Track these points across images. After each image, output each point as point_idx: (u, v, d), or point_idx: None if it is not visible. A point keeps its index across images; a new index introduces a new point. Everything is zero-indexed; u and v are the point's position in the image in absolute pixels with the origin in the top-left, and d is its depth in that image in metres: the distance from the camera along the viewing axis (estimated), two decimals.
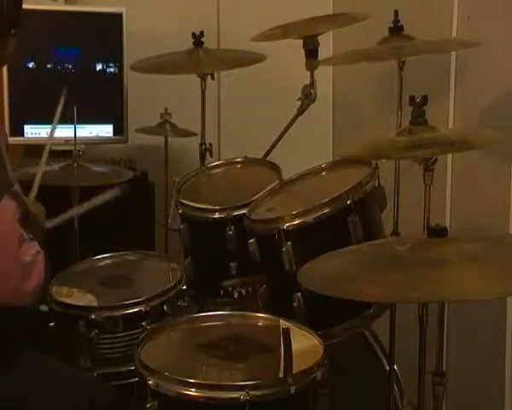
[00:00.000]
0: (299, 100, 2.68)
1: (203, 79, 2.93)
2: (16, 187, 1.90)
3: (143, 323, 2.25)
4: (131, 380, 2.02)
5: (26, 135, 3.07)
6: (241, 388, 1.73)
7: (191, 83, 2.94)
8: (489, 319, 2.66)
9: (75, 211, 2.51)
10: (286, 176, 2.49)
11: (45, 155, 2.41)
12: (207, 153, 2.96)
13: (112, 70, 3.11)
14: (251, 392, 1.73)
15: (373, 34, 2.67)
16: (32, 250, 1.85)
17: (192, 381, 1.77)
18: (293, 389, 1.78)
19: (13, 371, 1.93)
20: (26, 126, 3.06)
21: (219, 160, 2.92)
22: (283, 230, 2.12)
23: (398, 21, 2.62)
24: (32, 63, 3.04)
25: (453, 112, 2.82)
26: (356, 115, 3.33)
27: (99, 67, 3.10)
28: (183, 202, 2.49)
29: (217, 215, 2.40)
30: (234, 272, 2.39)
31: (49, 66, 3.06)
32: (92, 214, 2.74)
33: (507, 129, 2.44)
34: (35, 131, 3.07)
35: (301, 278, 1.83)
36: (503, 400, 2.67)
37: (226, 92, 3.39)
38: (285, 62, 3.06)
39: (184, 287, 2.40)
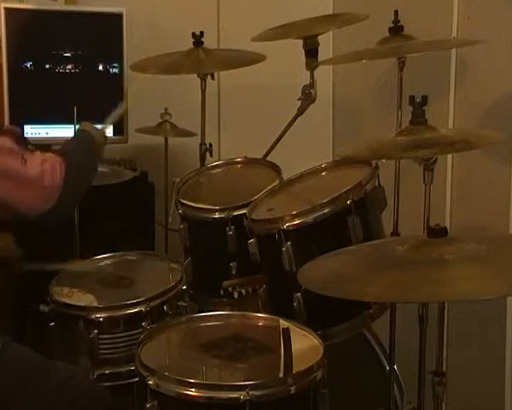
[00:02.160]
0: (299, 100, 2.68)
1: (203, 79, 2.92)
2: (5, 125, 2.16)
3: (143, 323, 2.25)
4: (131, 380, 2.02)
5: (25, 135, 3.06)
6: (241, 388, 1.74)
7: (191, 83, 2.94)
8: (489, 319, 2.66)
9: None
10: (286, 176, 2.49)
11: None
12: (207, 153, 2.96)
13: (114, 70, 3.11)
14: (251, 392, 1.73)
15: (373, 34, 2.67)
16: (37, 161, 2.05)
17: (192, 381, 1.77)
18: (293, 389, 1.78)
19: (4, 365, 1.94)
20: (26, 126, 3.06)
21: (219, 160, 2.92)
22: (283, 230, 2.12)
23: (398, 21, 2.63)
24: (32, 63, 3.04)
25: (453, 112, 2.82)
26: (356, 115, 3.33)
27: (100, 67, 3.10)
28: (183, 202, 2.49)
29: (217, 215, 2.40)
30: (234, 272, 2.39)
31: (49, 66, 3.05)
32: (92, 214, 2.75)
33: (507, 129, 2.45)
34: (35, 131, 3.07)
35: (301, 278, 1.83)
36: (503, 400, 2.67)
37: (226, 92, 3.39)
38: (285, 62, 3.06)
39: (184, 287, 2.40)
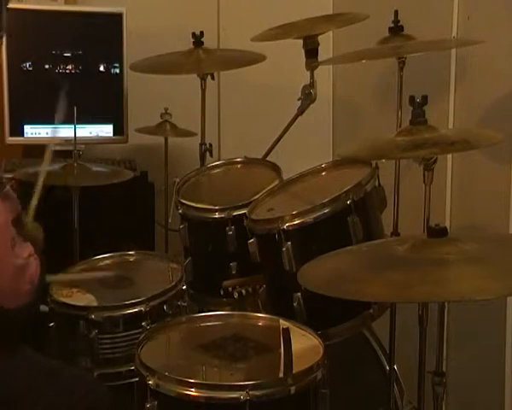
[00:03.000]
0: (299, 100, 2.68)
1: (203, 79, 2.93)
2: (8, 188, 1.91)
3: (143, 323, 2.24)
4: (131, 380, 2.02)
5: (26, 135, 3.07)
6: (241, 388, 1.74)
7: (191, 83, 2.94)
8: (489, 319, 2.66)
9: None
10: (286, 176, 2.49)
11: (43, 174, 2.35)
12: (207, 153, 2.96)
13: (115, 71, 3.11)
14: (251, 392, 1.73)
15: (373, 34, 2.67)
16: (25, 253, 1.87)
17: (192, 381, 1.77)
18: (293, 389, 1.78)
19: (8, 368, 1.94)
20: (26, 126, 3.06)
21: (219, 160, 2.92)
22: (283, 230, 2.12)
23: (398, 21, 2.63)
24: (32, 63, 3.04)
25: (453, 112, 2.81)
26: (356, 115, 3.33)
27: (99, 67, 3.10)
28: (183, 202, 2.49)
29: (217, 215, 2.40)
30: (234, 272, 2.39)
31: (49, 66, 3.06)
32: (92, 214, 2.75)
33: (507, 129, 2.44)
34: (35, 131, 3.07)
35: (301, 278, 1.83)
36: (503, 400, 2.66)
37: (226, 92, 3.39)
38: (285, 62, 3.06)
39: (184, 287, 2.40)
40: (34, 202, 2.21)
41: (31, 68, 3.04)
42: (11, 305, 1.86)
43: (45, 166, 2.35)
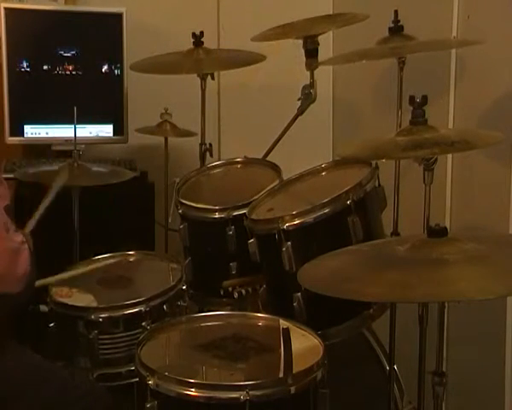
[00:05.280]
0: (299, 100, 2.68)
1: (203, 79, 2.93)
2: (1, 176, 1.94)
3: (143, 323, 2.25)
4: (131, 380, 2.02)
5: (25, 135, 3.07)
6: (241, 388, 1.74)
7: (191, 83, 2.94)
8: (489, 318, 2.66)
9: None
10: (286, 176, 2.49)
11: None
12: (207, 153, 2.96)
13: (117, 71, 3.11)
14: (251, 392, 1.73)
15: (373, 34, 2.67)
16: (18, 238, 1.88)
17: (192, 381, 1.77)
18: (293, 389, 1.78)
19: (3, 367, 1.94)
20: (25, 126, 3.06)
21: (219, 160, 2.92)
22: (283, 230, 2.12)
23: (398, 21, 2.63)
24: (32, 63, 3.04)
25: (453, 112, 2.82)
26: (356, 115, 3.33)
27: (101, 67, 3.10)
28: (183, 202, 2.49)
29: (217, 215, 2.40)
30: (234, 272, 2.39)
31: (49, 66, 3.06)
32: (92, 214, 2.75)
33: (506, 129, 2.44)
34: (35, 131, 3.07)
35: (301, 278, 1.83)
36: (503, 400, 2.66)
37: (226, 92, 3.39)
38: (285, 62, 3.06)
39: (184, 287, 2.40)
40: (39, 211, 2.23)
41: (30, 68, 3.04)
42: (5, 289, 1.85)
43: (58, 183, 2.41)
